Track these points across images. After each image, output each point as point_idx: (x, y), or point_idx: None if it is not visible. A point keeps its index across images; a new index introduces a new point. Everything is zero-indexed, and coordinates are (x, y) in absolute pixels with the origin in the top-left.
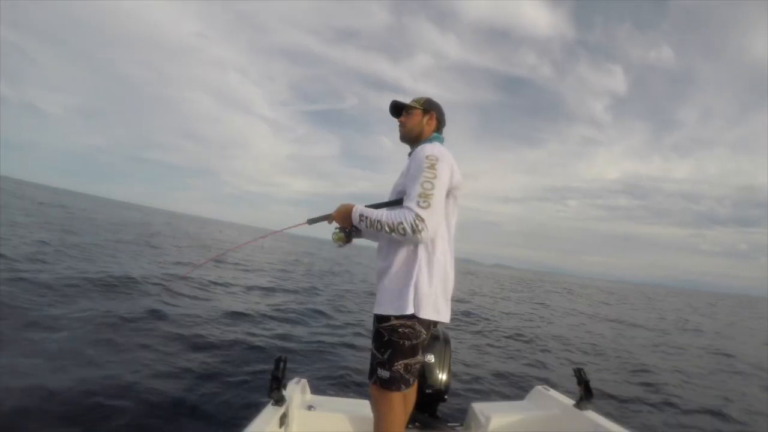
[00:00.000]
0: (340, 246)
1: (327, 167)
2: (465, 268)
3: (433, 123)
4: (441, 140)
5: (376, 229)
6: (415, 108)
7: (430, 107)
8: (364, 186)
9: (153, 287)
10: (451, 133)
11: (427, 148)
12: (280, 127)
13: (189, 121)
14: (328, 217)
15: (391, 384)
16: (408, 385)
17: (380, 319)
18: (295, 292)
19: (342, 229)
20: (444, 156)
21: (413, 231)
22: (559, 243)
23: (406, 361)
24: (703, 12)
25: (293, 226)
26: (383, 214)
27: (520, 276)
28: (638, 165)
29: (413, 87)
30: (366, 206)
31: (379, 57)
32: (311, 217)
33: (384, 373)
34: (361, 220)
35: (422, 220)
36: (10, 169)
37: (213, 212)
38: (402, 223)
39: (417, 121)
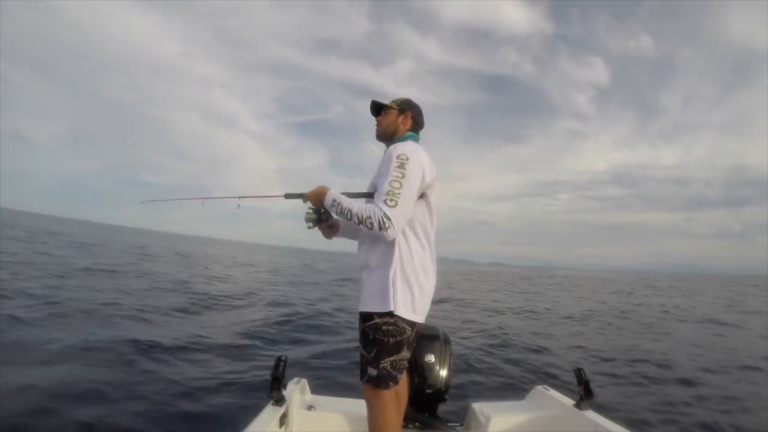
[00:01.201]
0: (310, 227)
1: (317, 178)
2: (462, 269)
3: (408, 122)
4: (416, 139)
5: (346, 218)
6: (391, 108)
7: (406, 107)
8: None
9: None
10: (438, 135)
11: (399, 147)
12: (267, 140)
13: (178, 141)
14: (303, 196)
15: (380, 382)
16: (396, 382)
17: (365, 318)
18: (295, 293)
19: (315, 210)
20: (415, 155)
21: (380, 228)
22: (552, 237)
23: (391, 358)
24: None
25: (270, 196)
26: (355, 204)
27: (517, 273)
28: (626, 154)
29: (397, 92)
30: (342, 194)
31: (362, 65)
32: (288, 192)
33: (372, 371)
34: (332, 205)
35: (389, 218)
36: (5, 199)
37: (210, 231)
38: (371, 217)
39: (392, 120)
